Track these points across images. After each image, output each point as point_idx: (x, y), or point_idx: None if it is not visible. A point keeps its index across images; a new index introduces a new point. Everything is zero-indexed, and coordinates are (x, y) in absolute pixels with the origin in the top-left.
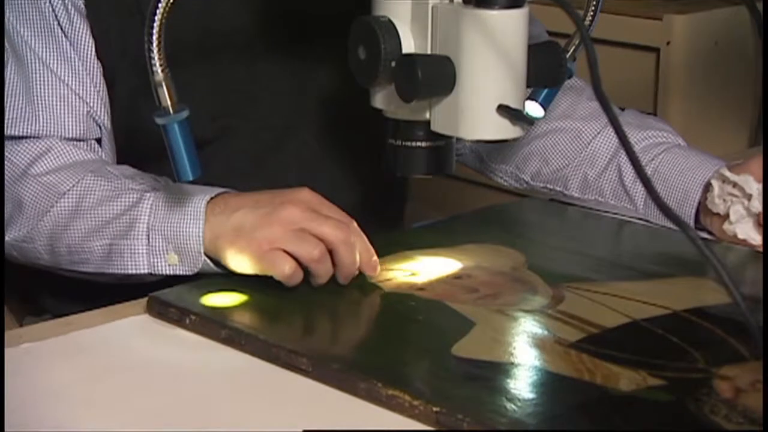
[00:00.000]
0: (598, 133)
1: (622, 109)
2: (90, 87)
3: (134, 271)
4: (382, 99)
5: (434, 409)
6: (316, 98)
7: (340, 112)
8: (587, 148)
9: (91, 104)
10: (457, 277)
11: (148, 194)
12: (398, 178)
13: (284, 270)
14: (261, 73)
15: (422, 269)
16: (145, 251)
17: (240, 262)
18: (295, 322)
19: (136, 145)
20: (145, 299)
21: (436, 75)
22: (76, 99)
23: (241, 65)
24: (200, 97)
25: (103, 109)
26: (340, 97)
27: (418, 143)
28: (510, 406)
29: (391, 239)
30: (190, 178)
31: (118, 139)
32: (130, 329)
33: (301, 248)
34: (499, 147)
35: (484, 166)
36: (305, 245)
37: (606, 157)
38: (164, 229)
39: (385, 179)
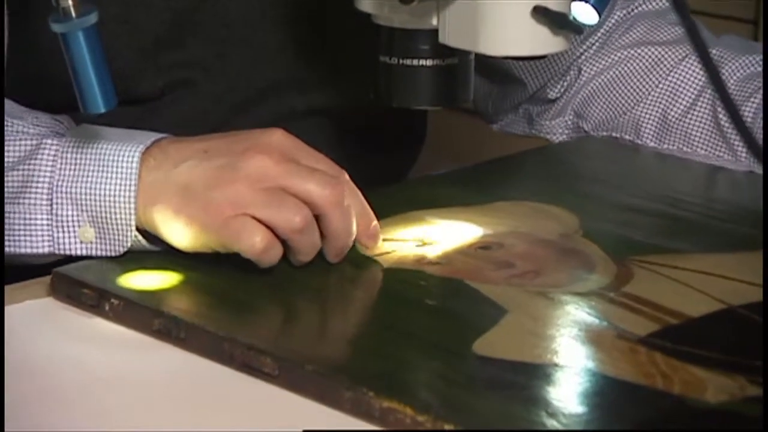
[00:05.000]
0: (685, 57)
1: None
2: None
3: (30, 251)
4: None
5: (446, 427)
6: (310, 56)
7: (344, 81)
8: (668, 78)
9: None
10: (483, 247)
11: (50, 141)
12: (412, 156)
13: (254, 243)
14: (235, 16)
15: (435, 236)
16: (45, 222)
17: (188, 236)
18: (256, 307)
19: (56, 99)
20: (48, 277)
21: None
22: None
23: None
24: (145, 40)
25: None
26: (347, 65)
27: (422, 61)
28: (552, 423)
29: (393, 194)
30: (102, 110)
31: (26, 91)
32: (28, 318)
33: (278, 214)
34: (553, 98)
35: (537, 128)
36: (283, 210)
37: (695, 88)
38: (75, 192)
39: (396, 160)
